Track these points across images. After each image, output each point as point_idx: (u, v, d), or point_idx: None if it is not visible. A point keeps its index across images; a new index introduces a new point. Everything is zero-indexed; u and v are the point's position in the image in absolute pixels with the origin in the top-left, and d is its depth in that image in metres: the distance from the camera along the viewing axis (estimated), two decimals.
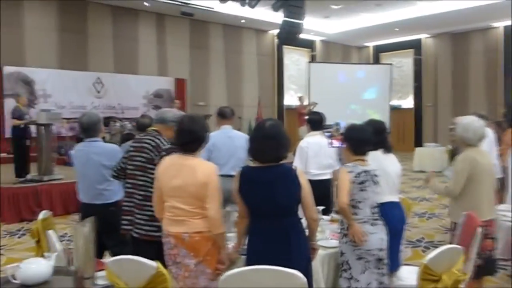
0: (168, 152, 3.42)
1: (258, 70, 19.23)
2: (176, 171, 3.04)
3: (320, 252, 3.25)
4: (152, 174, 3.40)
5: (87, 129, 4.13)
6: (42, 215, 3.81)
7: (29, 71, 13.49)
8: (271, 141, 2.82)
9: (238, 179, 2.94)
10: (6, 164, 10.94)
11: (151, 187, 3.38)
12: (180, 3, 14.39)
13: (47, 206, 7.90)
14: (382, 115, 16.32)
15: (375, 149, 3.58)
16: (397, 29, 18.25)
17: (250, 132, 12.86)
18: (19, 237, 6.85)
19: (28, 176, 8.59)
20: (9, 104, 12.48)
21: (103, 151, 4.11)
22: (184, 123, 3.07)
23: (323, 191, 4.81)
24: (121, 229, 3.62)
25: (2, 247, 6.29)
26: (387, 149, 3.78)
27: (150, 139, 3.55)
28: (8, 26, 13.43)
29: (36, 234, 3.74)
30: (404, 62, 20.90)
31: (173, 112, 3.79)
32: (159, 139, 3.53)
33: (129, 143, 4.49)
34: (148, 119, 4.83)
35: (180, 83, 16.56)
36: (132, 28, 15.84)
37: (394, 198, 3.73)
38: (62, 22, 14.40)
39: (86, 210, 4.11)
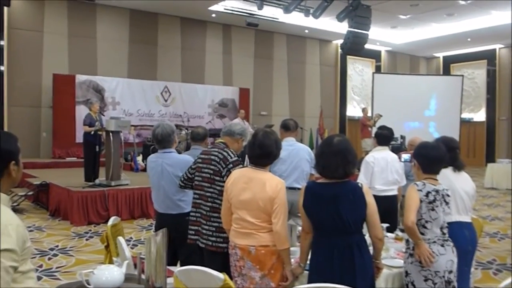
0: (235, 164, 3.50)
1: (320, 80, 19.18)
2: (246, 184, 3.11)
3: (384, 271, 3.17)
4: (220, 186, 3.48)
5: (161, 140, 4.17)
6: (111, 221, 3.97)
7: (100, 79, 14.18)
8: (339, 157, 2.82)
9: (303, 194, 2.95)
10: (77, 168, 11.55)
11: (218, 199, 3.47)
12: (246, 14, 14.63)
13: (114, 210, 8.28)
14: (451, 128, 15.75)
15: (445, 166, 3.48)
16: (469, 40, 17.62)
17: (311, 142, 12.81)
18: (87, 240, 7.15)
19: (97, 181, 8.97)
20: (81, 110, 13.19)
21: (176, 163, 4.13)
22: (257, 137, 3.15)
23: (388, 208, 4.73)
24: (188, 238, 3.72)
25: (71, 249, 6.62)
26: (458, 167, 3.66)
27: (217, 152, 3.62)
28: (81, 37, 14.21)
29: (106, 240, 3.91)
30: (477, 74, 20.10)
31: (240, 125, 3.86)
32: (226, 152, 3.60)
33: (195, 151, 4.59)
34: (202, 130, 4.88)
35: (244, 93, 16.82)
36: (199, 39, 16.27)
37: (464, 218, 3.60)
38: (133, 33, 15.03)
39: (161, 219, 4.18)
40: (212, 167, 3.58)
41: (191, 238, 3.68)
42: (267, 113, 17.59)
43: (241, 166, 3.50)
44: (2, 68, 12.86)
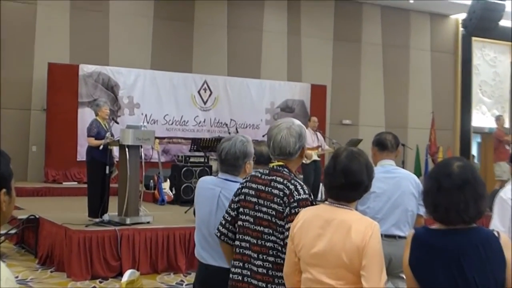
0: (301, 205, 3.42)
1: (432, 74, 18.93)
2: (321, 229, 3.07)
3: None
4: (283, 233, 3.47)
5: (223, 160, 4.17)
6: (127, 275, 4.05)
7: (112, 71, 14.59)
8: (467, 193, 2.78)
9: (409, 246, 2.92)
10: (78, 197, 11.81)
11: (283, 252, 3.44)
12: None
13: (128, 260, 8.39)
14: None
15: None
16: None
17: (418, 167, 12.50)
18: None
19: (106, 217, 9.11)
20: (85, 115, 13.54)
21: None
22: (339, 159, 3.12)
23: None
24: None
25: None
26: None
27: (283, 182, 3.56)
28: (88, 11, 14.59)
29: None
30: None
31: (294, 130, 3.63)
32: (294, 185, 3.52)
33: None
34: (267, 148, 4.82)
35: (318, 92, 16.86)
36: (253, 14, 16.45)
37: None
38: (159, 5, 15.34)
39: (206, 274, 4.19)
40: (274, 205, 3.53)
41: None
42: (351, 122, 17.49)
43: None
44: None
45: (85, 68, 14.25)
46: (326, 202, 3.18)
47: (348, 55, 17.63)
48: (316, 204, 3.43)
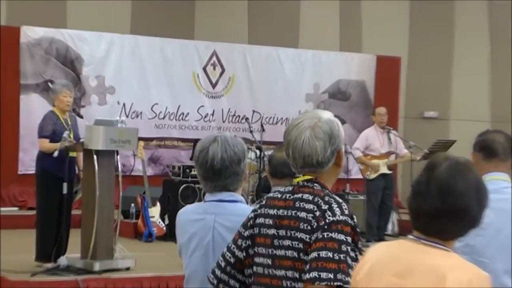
0: (334, 229, 3.45)
1: None
2: (398, 277, 3.03)
3: None
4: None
5: (217, 172, 4.24)
6: None
7: (72, 36, 14.63)
8: None
9: None
10: (21, 230, 11.90)
11: None
12: None
13: None
14: None
15: None
16: None
17: None
18: None
19: (62, 260, 9.17)
20: (31, 105, 13.64)
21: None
22: (436, 171, 3.05)
23: None
24: None
25: None
26: None
27: (313, 202, 3.59)
28: None
29: None
30: None
31: (323, 129, 3.67)
32: (328, 203, 3.55)
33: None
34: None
35: (387, 68, 16.98)
36: None
37: None
38: None
39: None
40: (301, 235, 3.56)
41: None
42: (438, 115, 17.50)
43: (348, 235, 3.44)
44: None
45: (30, 32, 14.33)
46: (410, 237, 3.13)
47: (434, 14, 17.63)
48: (382, 240, 3.40)
